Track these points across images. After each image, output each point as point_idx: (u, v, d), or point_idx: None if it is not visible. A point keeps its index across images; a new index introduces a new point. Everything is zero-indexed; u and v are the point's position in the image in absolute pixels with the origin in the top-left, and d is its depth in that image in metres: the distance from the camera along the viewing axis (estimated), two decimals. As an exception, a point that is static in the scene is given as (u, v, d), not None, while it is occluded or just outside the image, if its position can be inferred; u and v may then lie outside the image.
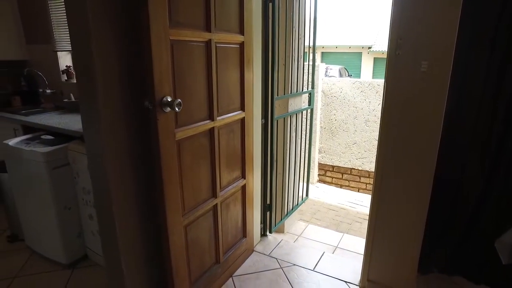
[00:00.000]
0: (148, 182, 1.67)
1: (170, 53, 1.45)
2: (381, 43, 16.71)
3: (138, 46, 1.49)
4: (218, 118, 1.82)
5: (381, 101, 1.83)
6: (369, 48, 17.08)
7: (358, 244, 2.84)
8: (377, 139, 1.86)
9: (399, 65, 1.72)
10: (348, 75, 12.76)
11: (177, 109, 1.45)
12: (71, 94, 3.10)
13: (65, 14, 3.41)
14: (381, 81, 4.21)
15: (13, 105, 3.50)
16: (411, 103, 1.72)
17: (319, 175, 4.82)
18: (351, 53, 17.70)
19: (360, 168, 4.54)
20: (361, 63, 17.68)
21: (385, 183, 1.89)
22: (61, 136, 2.39)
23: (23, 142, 2.28)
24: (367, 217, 2.07)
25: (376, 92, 4.24)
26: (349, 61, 17.05)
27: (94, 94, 1.40)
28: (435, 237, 2.12)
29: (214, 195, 1.91)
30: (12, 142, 2.30)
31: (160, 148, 1.45)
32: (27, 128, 2.73)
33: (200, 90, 1.68)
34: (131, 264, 1.67)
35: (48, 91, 3.41)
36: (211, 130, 1.78)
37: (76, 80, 1.53)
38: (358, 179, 4.61)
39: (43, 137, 2.37)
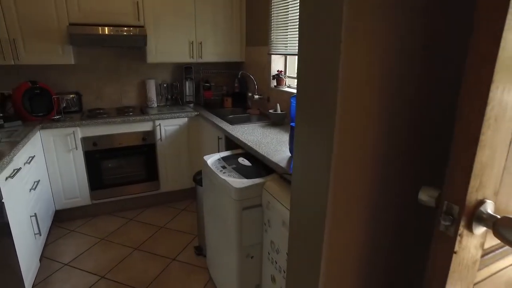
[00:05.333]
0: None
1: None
2: None
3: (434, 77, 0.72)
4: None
5: None
6: None
7: None
8: None
9: None
10: None
11: (505, 233, 0.60)
12: (278, 105, 2.70)
13: (284, 16, 3.11)
14: None
15: (224, 105, 3.49)
16: None
17: None
18: None
19: None
20: None
21: None
22: (259, 162, 1.96)
23: (220, 163, 1.97)
24: None
25: None
26: None
27: (326, 145, 0.74)
28: None
29: None
30: (210, 160, 2.03)
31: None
32: (228, 140, 2.49)
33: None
34: None
35: (256, 96, 3.17)
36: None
37: (296, 113, 0.91)
38: None
39: (240, 160, 2.00)
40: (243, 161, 1.98)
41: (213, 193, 1.97)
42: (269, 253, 1.73)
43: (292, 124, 1.84)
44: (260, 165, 1.93)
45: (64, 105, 3.07)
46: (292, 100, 1.83)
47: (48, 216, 2.68)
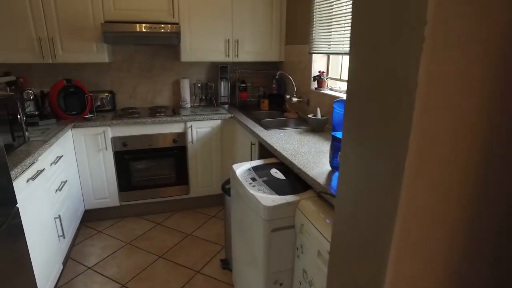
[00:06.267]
0: None
1: None
2: None
3: None
4: None
5: None
6: None
7: None
8: None
9: None
10: None
11: None
12: (318, 109, 2.44)
13: (328, 12, 2.83)
14: None
15: (261, 107, 3.29)
16: None
17: None
18: None
19: None
20: None
21: None
22: (294, 175, 1.72)
23: (250, 174, 1.75)
24: None
25: None
26: None
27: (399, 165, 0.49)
28: None
29: None
30: (239, 170, 1.82)
31: None
32: (262, 146, 2.27)
33: None
34: None
35: (295, 99, 2.93)
36: None
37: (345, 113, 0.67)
38: None
39: (273, 172, 1.77)
40: (276, 173, 1.75)
41: (241, 207, 1.76)
42: (300, 283, 1.49)
43: (334, 133, 1.58)
44: (295, 179, 1.69)
45: (98, 103, 3.03)
46: (335, 106, 1.57)
47: (76, 216, 2.63)
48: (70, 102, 2.79)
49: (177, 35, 2.81)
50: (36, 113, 2.63)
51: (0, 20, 2.53)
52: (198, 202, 3.20)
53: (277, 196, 1.51)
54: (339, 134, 1.56)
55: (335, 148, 1.57)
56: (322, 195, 1.45)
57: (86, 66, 3.08)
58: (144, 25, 2.70)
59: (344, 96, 2.39)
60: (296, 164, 1.70)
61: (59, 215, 2.15)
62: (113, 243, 2.67)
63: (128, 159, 2.85)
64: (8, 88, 2.79)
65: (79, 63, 2.97)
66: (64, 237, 2.21)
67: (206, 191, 3.14)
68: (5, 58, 2.62)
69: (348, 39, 2.39)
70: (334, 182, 1.48)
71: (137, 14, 2.76)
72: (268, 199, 1.48)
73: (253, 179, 1.69)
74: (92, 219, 2.97)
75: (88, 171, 2.76)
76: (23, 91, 2.59)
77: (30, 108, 2.60)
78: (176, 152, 2.95)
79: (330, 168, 1.64)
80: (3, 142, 1.47)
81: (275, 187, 1.60)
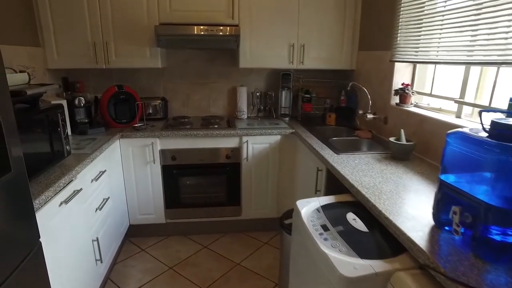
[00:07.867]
0: None
1: None
2: None
3: None
4: None
5: None
6: None
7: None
8: None
9: None
10: None
11: None
12: (402, 131, 1.95)
13: (418, 11, 2.29)
14: None
15: (326, 122, 2.87)
16: None
17: None
18: None
19: None
20: None
21: None
22: (377, 224, 1.28)
23: (319, 219, 1.35)
24: None
25: None
26: None
27: None
28: None
29: None
30: (305, 210, 1.43)
31: None
32: (330, 173, 1.85)
33: None
34: None
35: (370, 115, 2.45)
36: None
37: None
38: None
39: (350, 218, 1.35)
40: (354, 220, 1.33)
41: (305, 259, 1.37)
42: None
43: (445, 177, 1.12)
44: (380, 231, 1.25)
45: (150, 111, 2.84)
46: (450, 140, 1.09)
47: (119, 232, 2.43)
48: (121, 109, 2.62)
49: (236, 38, 2.50)
50: (86, 120, 2.48)
51: (61, 25, 2.45)
52: (250, 225, 2.86)
53: (360, 261, 1.09)
54: (452, 179, 1.10)
55: (447, 198, 1.11)
56: (428, 270, 1.00)
57: (139, 72, 2.92)
58: (200, 27, 2.44)
59: (440, 117, 1.86)
60: (383, 211, 1.26)
61: (97, 238, 1.94)
62: (155, 266, 2.43)
63: (177, 174, 2.60)
64: (64, 93, 2.72)
65: (133, 68, 2.81)
66: (101, 262, 2.00)
67: (260, 214, 2.79)
68: (63, 63, 2.54)
69: (447, 43, 1.87)
70: (445, 249, 1.03)
71: (194, 15, 2.51)
72: (348, 265, 1.07)
73: (324, 228, 1.29)
74: (136, 235, 2.77)
75: (134, 185, 2.56)
76: (74, 98, 2.46)
77: (81, 115, 2.47)
78: (228, 170, 2.64)
79: (432, 223, 1.18)
80: (42, 154, 1.22)
81: (356, 244, 1.18)
